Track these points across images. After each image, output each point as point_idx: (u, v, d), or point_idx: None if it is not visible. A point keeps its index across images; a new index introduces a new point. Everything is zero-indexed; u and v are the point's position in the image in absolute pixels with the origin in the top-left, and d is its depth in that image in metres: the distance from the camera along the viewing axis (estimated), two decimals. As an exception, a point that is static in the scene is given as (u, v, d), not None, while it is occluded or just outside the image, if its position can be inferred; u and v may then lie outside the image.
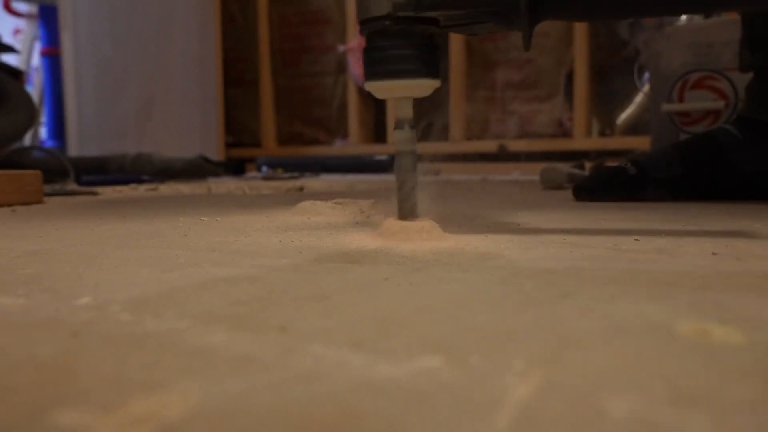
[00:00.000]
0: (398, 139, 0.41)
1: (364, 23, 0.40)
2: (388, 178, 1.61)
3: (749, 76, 0.80)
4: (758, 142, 0.74)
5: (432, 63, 0.39)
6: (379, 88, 0.40)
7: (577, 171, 1.05)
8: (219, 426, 0.14)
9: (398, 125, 0.41)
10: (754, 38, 0.78)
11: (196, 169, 1.60)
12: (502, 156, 2.04)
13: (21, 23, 2.64)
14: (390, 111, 2.20)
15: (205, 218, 0.58)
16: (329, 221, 0.55)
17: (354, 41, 2.23)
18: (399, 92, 0.40)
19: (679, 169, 0.75)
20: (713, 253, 0.36)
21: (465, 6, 0.37)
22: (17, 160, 1.29)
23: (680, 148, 0.78)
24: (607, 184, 0.77)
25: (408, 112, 0.41)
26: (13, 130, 1.49)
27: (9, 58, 1.97)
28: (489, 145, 2.06)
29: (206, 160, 1.68)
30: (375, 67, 0.40)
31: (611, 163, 0.85)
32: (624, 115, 1.90)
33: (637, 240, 0.41)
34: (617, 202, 0.73)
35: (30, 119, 1.55)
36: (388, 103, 2.15)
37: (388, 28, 0.39)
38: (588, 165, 1.20)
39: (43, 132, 2.50)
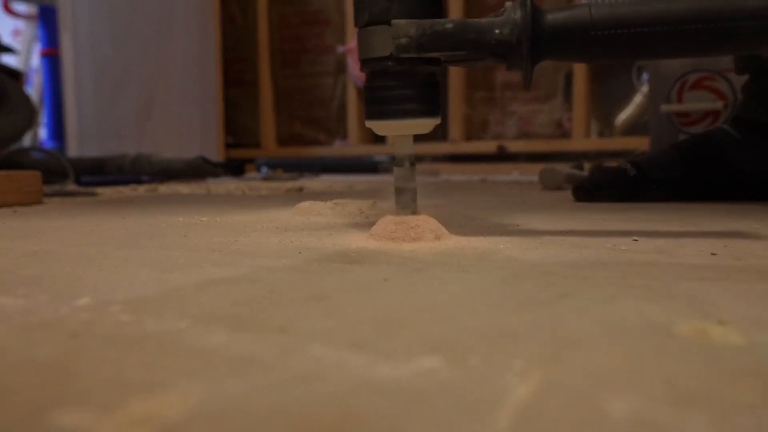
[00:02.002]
0: (398, 175, 0.42)
1: (366, 62, 0.40)
2: (388, 179, 1.61)
3: (746, 77, 0.80)
4: (757, 142, 0.74)
5: (432, 101, 0.40)
6: (379, 127, 0.41)
7: (576, 171, 1.05)
8: (219, 426, 0.14)
9: (398, 162, 0.42)
10: None
11: (196, 170, 1.60)
12: (502, 156, 2.04)
13: (20, 24, 2.64)
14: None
15: (204, 219, 0.58)
16: (329, 222, 0.55)
17: (353, 42, 2.23)
18: (400, 131, 0.41)
19: (678, 170, 0.75)
20: (712, 254, 0.36)
21: (466, 48, 0.38)
22: (17, 161, 1.29)
23: (680, 148, 0.78)
24: (607, 184, 0.77)
25: (408, 149, 0.42)
26: (12, 131, 1.49)
27: (8, 59, 1.97)
28: (488, 146, 2.06)
29: (206, 160, 1.68)
30: (376, 107, 0.40)
31: (610, 164, 0.85)
32: (623, 116, 1.90)
33: (636, 240, 0.41)
34: (616, 203, 0.73)
35: (29, 120, 1.55)
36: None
37: (390, 68, 0.39)
38: (587, 165, 1.20)
39: (42, 133, 2.50)
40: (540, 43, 0.37)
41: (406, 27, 0.37)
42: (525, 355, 0.18)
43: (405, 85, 0.39)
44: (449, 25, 0.37)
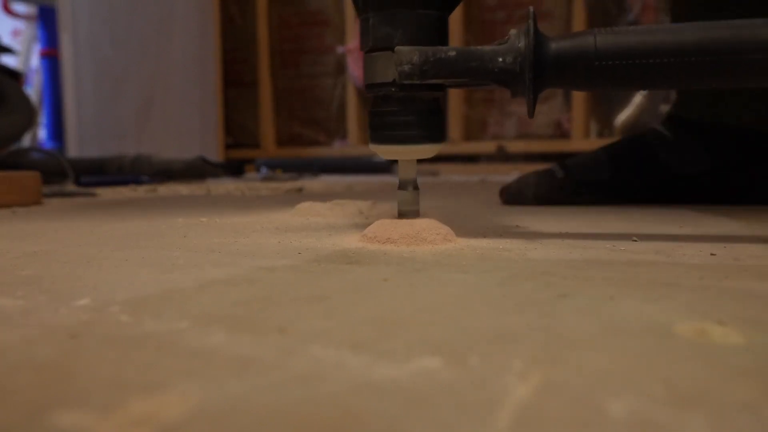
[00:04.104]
0: (401, 200, 0.42)
1: (370, 87, 0.41)
2: (387, 179, 1.61)
3: None
4: (689, 143, 0.71)
5: (435, 127, 0.40)
6: (383, 151, 0.41)
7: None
8: (218, 427, 0.14)
9: (402, 185, 0.42)
10: None
11: (196, 170, 1.60)
12: (501, 157, 2.04)
13: (20, 24, 2.65)
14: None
15: (204, 219, 0.58)
16: (328, 222, 0.55)
17: (353, 42, 2.24)
18: (403, 156, 0.41)
19: (607, 173, 0.72)
20: (711, 254, 0.36)
21: (468, 75, 0.38)
22: (16, 162, 1.29)
23: (609, 151, 0.75)
24: (533, 187, 0.74)
25: (412, 173, 0.42)
26: (12, 132, 1.49)
27: (8, 60, 1.97)
28: (487, 146, 2.06)
29: (205, 161, 1.68)
30: (380, 132, 0.41)
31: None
32: (623, 116, 1.90)
33: (635, 241, 0.41)
34: (544, 206, 0.71)
35: (29, 120, 1.55)
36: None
37: (393, 94, 0.40)
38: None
39: (42, 133, 2.50)
40: (543, 72, 0.37)
41: (409, 54, 0.38)
42: (524, 355, 0.18)
43: (408, 111, 0.40)
44: (452, 53, 0.37)
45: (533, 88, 0.37)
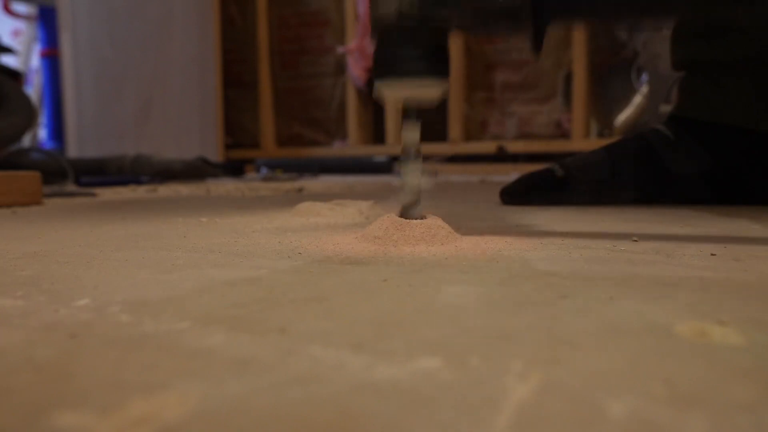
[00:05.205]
0: (404, 170, 0.41)
1: (375, 21, 0.39)
2: (387, 179, 1.61)
3: (682, 74, 0.76)
4: (691, 143, 0.71)
5: (439, 62, 0.39)
6: (384, 87, 0.40)
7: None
8: (218, 427, 0.14)
9: (404, 151, 0.41)
10: (681, 33, 0.74)
11: (195, 171, 1.61)
12: (501, 157, 2.04)
13: (20, 25, 2.65)
14: (389, 115, 2.20)
15: (204, 219, 0.58)
16: (328, 222, 0.55)
17: (353, 43, 2.24)
18: (405, 91, 0.40)
19: (607, 172, 0.72)
20: (712, 254, 0.36)
21: (474, 6, 0.37)
22: (16, 162, 1.29)
23: (610, 150, 0.75)
24: (533, 186, 0.74)
25: (414, 135, 0.41)
26: (12, 132, 1.49)
27: (8, 60, 1.97)
28: (488, 146, 2.06)
29: (205, 161, 1.68)
30: (382, 67, 0.39)
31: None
32: (622, 116, 1.90)
33: (635, 241, 0.41)
34: (544, 206, 0.71)
35: (29, 121, 1.55)
36: (387, 112, 2.15)
37: (395, 27, 0.38)
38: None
39: (42, 133, 2.50)
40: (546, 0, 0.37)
41: None
42: (524, 355, 0.18)
43: (411, 44, 0.38)
44: None
45: (539, 19, 0.37)
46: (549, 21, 0.38)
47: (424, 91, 0.39)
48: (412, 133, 0.41)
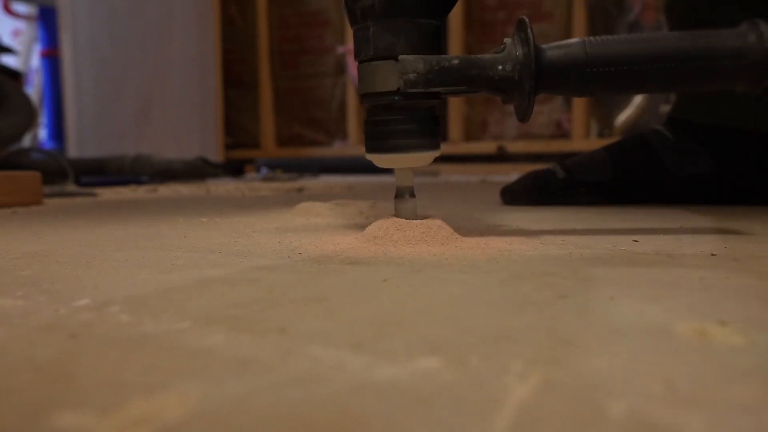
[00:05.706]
0: (400, 208, 0.42)
1: (368, 96, 0.40)
2: (387, 179, 1.61)
3: None
4: (690, 144, 0.71)
5: (434, 135, 0.41)
6: (381, 160, 0.41)
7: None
8: (218, 427, 0.14)
9: (399, 193, 0.42)
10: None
11: (196, 171, 1.60)
12: (501, 157, 2.04)
13: (20, 25, 2.65)
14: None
15: (204, 219, 0.58)
16: (329, 222, 0.55)
17: (353, 43, 2.24)
18: (402, 164, 0.41)
19: (609, 173, 0.72)
20: (712, 254, 0.36)
21: (470, 83, 0.39)
22: (16, 162, 1.29)
23: (611, 151, 0.75)
24: (533, 186, 0.74)
25: (408, 181, 0.42)
26: (12, 132, 1.49)
27: (8, 60, 1.97)
28: (488, 146, 2.06)
29: (205, 161, 1.68)
30: (378, 141, 0.41)
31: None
32: (623, 117, 1.90)
33: (636, 241, 0.41)
34: (544, 206, 0.71)
35: (29, 121, 1.55)
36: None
37: (395, 103, 0.39)
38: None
39: (42, 133, 2.50)
40: (539, 79, 0.39)
41: (414, 63, 0.38)
42: (524, 355, 0.18)
43: (409, 119, 0.40)
44: (455, 62, 0.38)
45: (532, 95, 0.39)
46: (539, 93, 0.39)
47: (419, 161, 0.41)
48: (406, 176, 0.42)
